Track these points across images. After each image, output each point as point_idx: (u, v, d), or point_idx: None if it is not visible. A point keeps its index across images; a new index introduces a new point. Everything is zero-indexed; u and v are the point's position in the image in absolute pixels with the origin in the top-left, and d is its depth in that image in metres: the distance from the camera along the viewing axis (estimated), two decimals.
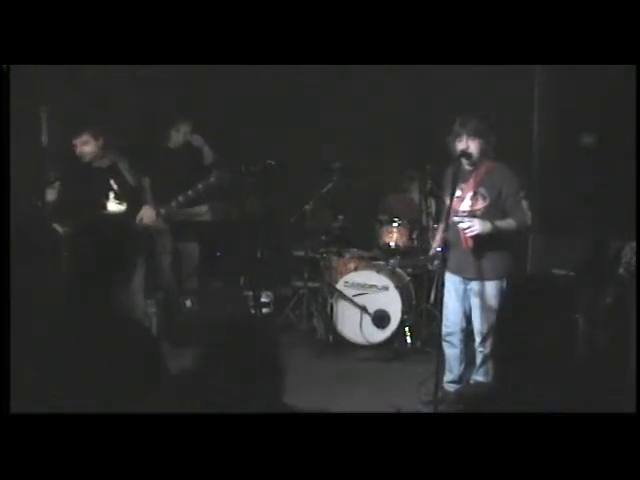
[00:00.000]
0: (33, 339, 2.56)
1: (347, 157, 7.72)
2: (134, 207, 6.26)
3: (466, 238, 5.43)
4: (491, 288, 5.52)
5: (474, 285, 5.58)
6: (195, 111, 7.95)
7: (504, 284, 5.45)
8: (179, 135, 7.74)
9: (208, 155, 7.88)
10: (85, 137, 6.27)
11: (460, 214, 5.48)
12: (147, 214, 6.31)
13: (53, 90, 7.14)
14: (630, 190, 6.49)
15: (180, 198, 6.46)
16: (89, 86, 7.53)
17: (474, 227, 5.38)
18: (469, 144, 5.43)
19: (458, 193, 5.46)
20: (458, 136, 5.44)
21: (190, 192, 6.46)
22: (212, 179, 6.54)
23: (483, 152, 5.47)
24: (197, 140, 7.82)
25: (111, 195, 6.24)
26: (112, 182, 6.25)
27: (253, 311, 7.86)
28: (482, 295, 5.55)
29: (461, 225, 5.42)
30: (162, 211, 6.43)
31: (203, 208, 7.97)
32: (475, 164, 5.49)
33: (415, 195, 7.93)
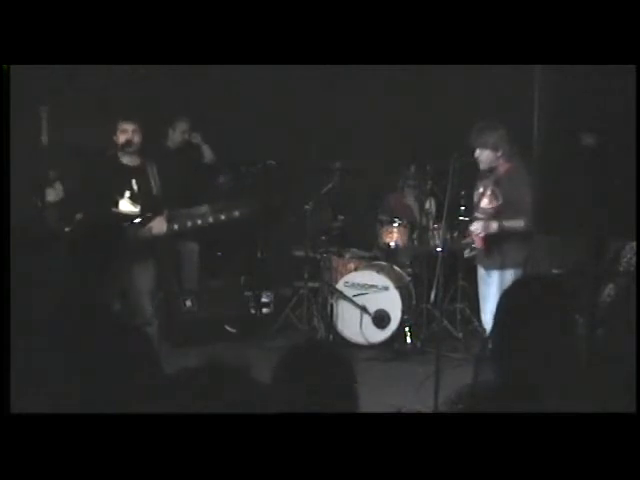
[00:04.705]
0: (33, 339, 2.56)
1: (347, 157, 7.72)
2: (147, 213, 5.94)
3: (476, 238, 5.93)
4: (493, 276, 5.79)
5: (482, 273, 5.94)
6: (195, 111, 7.95)
7: (507, 275, 5.63)
8: (177, 134, 7.75)
9: (207, 153, 7.89)
10: (134, 126, 5.92)
11: (480, 210, 5.91)
12: (158, 226, 5.94)
13: (53, 90, 7.14)
14: (630, 190, 6.49)
15: (189, 222, 6.21)
16: (89, 86, 7.52)
17: (479, 229, 5.84)
18: (480, 155, 5.77)
19: (480, 189, 5.90)
20: (471, 148, 5.78)
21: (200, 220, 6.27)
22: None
23: (494, 160, 5.78)
24: (196, 138, 7.82)
25: (127, 194, 5.91)
26: (134, 182, 5.92)
27: (253, 311, 7.87)
28: (484, 283, 5.92)
29: (470, 228, 5.98)
30: (175, 227, 6.07)
31: (203, 208, 7.98)
32: (491, 169, 5.83)
33: (415, 195, 7.93)
